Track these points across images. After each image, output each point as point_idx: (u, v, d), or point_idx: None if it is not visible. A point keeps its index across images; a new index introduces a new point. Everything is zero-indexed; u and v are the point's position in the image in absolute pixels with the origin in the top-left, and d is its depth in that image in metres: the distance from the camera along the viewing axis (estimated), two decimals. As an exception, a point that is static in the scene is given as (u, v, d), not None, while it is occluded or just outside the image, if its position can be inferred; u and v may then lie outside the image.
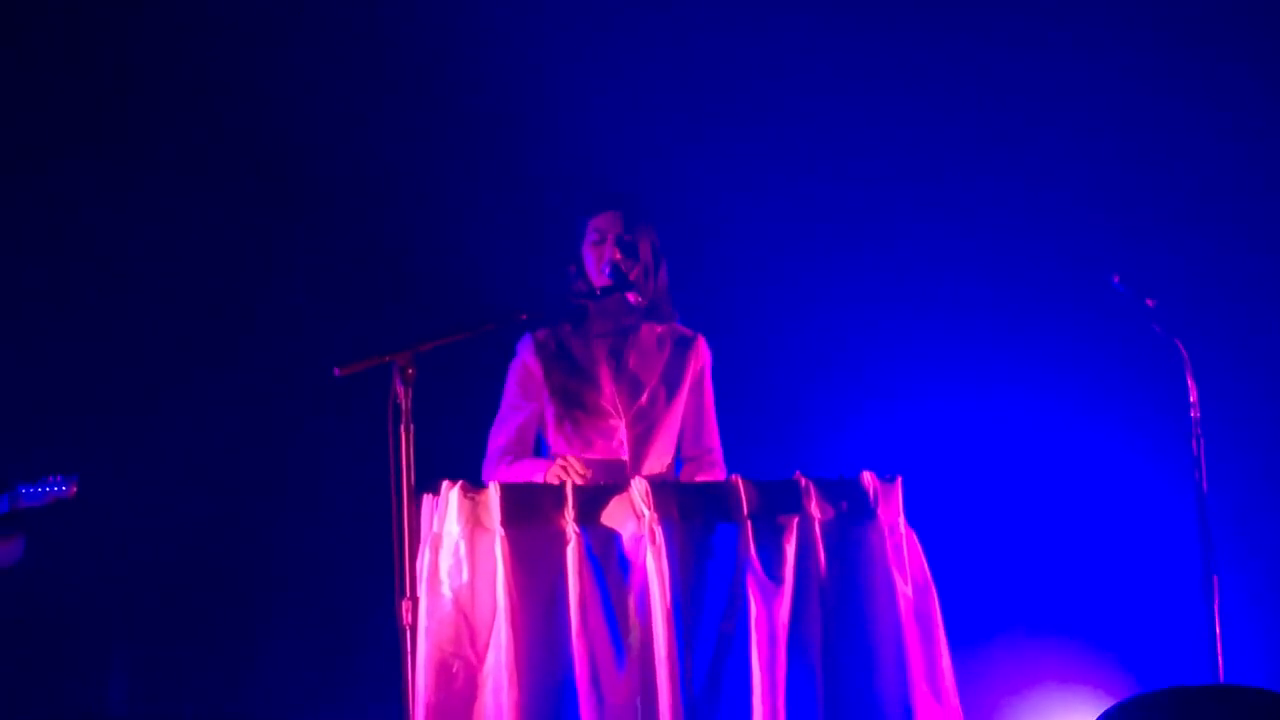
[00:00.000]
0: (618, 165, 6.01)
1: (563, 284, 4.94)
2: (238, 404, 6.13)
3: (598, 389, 4.88)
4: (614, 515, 4.27)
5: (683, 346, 5.00)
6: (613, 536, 4.25)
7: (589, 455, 4.76)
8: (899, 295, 6.42)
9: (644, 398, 4.89)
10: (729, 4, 6.45)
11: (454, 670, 4.17)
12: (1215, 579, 5.17)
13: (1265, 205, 6.36)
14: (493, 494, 4.22)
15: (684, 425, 4.97)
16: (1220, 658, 5.13)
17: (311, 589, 6.13)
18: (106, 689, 6.09)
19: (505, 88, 6.27)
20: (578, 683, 4.14)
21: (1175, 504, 5.91)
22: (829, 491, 4.40)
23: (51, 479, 5.67)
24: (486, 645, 4.18)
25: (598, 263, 4.88)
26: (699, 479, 4.84)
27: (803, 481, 4.37)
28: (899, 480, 4.51)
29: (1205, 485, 5.20)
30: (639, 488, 4.26)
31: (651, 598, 4.19)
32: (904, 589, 4.42)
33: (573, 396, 4.88)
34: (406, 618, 4.13)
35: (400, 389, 4.15)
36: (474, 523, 4.22)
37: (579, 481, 4.40)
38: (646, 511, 4.23)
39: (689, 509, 4.29)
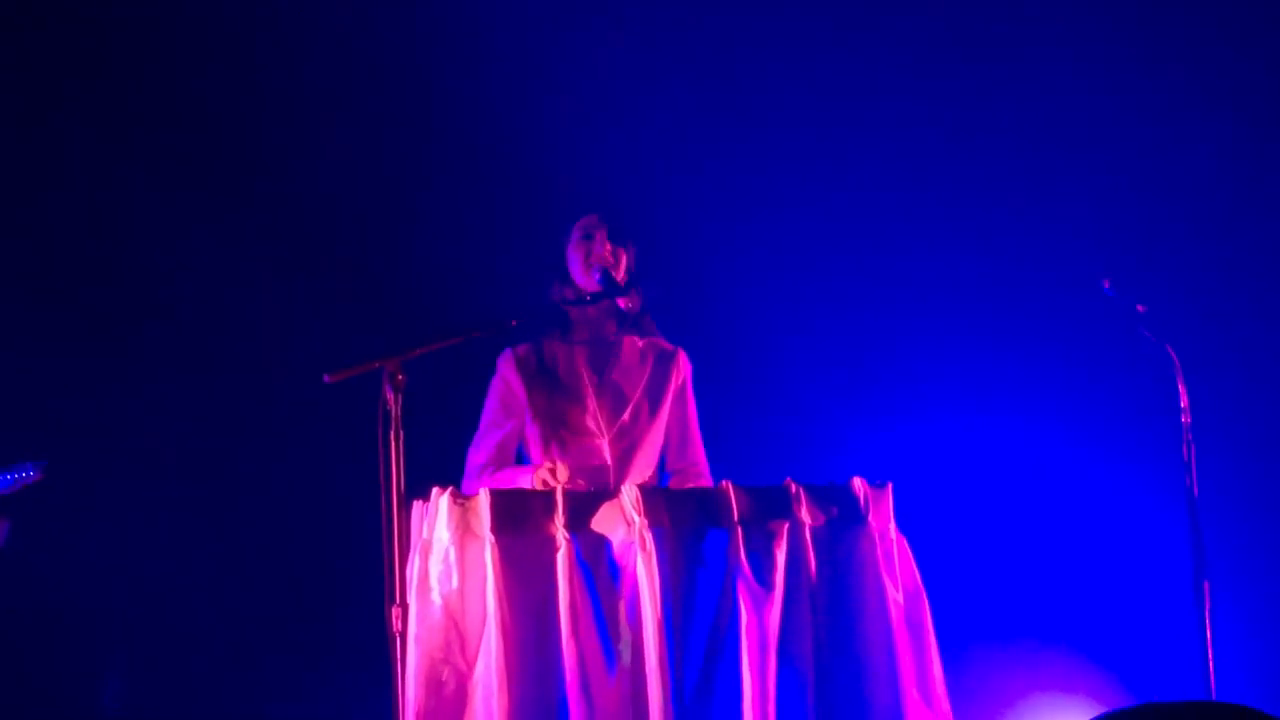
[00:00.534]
0: (607, 170, 6.00)
1: (543, 292, 4.93)
2: (228, 410, 6.12)
3: (582, 407, 4.87)
4: (604, 521, 4.26)
5: (664, 361, 5.00)
6: (603, 543, 4.25)
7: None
8: (889, 301, 6.42)
9: (626, 414, 4.89)
10: (725, 5, 6.45)
11: (444, 677, 4.16)
12: (1206, 584, 5.16)
13: (1256, 211, 6.37)
14: (483, 500, 4.21)
15: (668, 439, 4.97)
16: (1211, 663, 5.13)
17: (301, 595, 6.11)
18: (98, 694, 6.07)
19: (494, 94, 6.26)
20: (568, 689, 4.13)
21: (1166, 509, 5.91)
22: (819, 497, 4.40)
23: (19, 465, 5.66)
24: (477, 652, 4.18)
25: (585, 261, 4.87)
26: (687, 489, 4.83)
27: (793, 487, 4.37)
28: (889, 486, 4.51)
29: (1196, 490, 5.20)
30: (629, 494, 4.25)
31: (642, 604, 4.19)
32: (895, 595, 4.41)
33: (558, 417, 4.87)
34: (396, 624, 4.13)
35: (390, 395, 4.15)
36: (464, 529, 4.21)
37: (565, 484, 4.40)
38: (637, 518, 4.22)
39: (679, 515, 4.28)
